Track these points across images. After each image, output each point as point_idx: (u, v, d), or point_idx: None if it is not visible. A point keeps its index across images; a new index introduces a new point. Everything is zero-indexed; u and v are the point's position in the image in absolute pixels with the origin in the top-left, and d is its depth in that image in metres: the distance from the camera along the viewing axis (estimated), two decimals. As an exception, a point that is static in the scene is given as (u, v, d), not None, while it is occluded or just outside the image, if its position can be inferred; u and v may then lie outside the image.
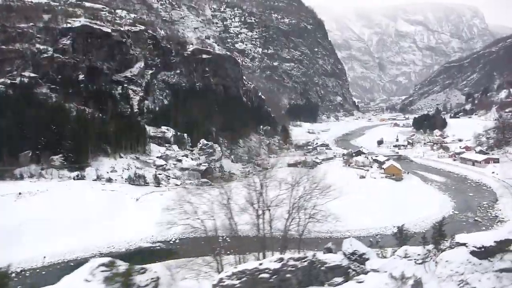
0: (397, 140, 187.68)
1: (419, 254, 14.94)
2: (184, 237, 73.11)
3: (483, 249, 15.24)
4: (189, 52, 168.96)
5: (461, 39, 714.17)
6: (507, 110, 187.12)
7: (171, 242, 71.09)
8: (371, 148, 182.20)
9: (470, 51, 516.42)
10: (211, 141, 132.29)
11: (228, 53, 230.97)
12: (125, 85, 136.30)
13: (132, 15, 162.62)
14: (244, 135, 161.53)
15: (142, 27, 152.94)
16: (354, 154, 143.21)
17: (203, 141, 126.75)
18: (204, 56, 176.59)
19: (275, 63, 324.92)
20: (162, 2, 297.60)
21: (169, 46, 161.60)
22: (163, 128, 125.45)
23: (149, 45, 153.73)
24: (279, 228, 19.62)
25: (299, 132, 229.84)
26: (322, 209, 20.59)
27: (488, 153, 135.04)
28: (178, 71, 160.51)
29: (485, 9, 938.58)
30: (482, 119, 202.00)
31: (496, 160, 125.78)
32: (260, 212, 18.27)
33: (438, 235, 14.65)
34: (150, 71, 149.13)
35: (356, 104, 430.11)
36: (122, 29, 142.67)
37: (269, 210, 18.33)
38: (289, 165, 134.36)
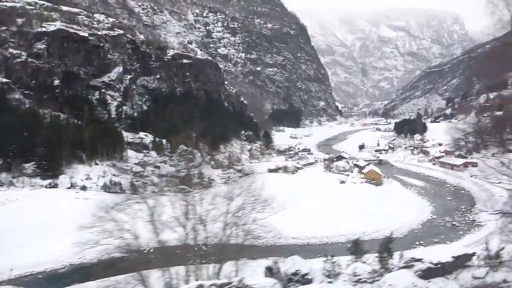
0: (378, 144, 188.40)
1: (369, 273, 13.83)
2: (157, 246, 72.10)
3: (439, 265, 14.32)
4: (169, 57, 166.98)
5: (441, 45, 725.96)
6: (485, 115, 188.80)
7: (145, 251, 69.14)
8: (352, 152, 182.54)
9: (451, 57, 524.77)
10: (191, 147, 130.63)
11: (210, 57, 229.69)
12: (103, 90, 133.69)
13: (111, 19, 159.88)
14: (225, 140, 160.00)
15: (121, 32, 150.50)
16: (335, 159, 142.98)
17: (182, 147, 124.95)
18: (185, 61, 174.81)
19: (258, 68, 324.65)
20: (143, 7, 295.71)
21: (148, 50, 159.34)
22: (141, 134, 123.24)
23: (128, 50, 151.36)
24: (216, 242, 18.18)
25: (282, 137, 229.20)
26: (264, 224, 19.18)
27: (467, 157, 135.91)
28: (158, 76, 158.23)
29: (465, 15, 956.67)
30: (461, 124, 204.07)
31: (475, 164, 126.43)
32: (194, 225, 16.89)
33: (384, 253, 13.52)
34: (129, 76, 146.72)
35: (339, 109, 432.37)
36: (99, 33, 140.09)
37: (204, 224, 16.95)
38: (270, 170, 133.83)
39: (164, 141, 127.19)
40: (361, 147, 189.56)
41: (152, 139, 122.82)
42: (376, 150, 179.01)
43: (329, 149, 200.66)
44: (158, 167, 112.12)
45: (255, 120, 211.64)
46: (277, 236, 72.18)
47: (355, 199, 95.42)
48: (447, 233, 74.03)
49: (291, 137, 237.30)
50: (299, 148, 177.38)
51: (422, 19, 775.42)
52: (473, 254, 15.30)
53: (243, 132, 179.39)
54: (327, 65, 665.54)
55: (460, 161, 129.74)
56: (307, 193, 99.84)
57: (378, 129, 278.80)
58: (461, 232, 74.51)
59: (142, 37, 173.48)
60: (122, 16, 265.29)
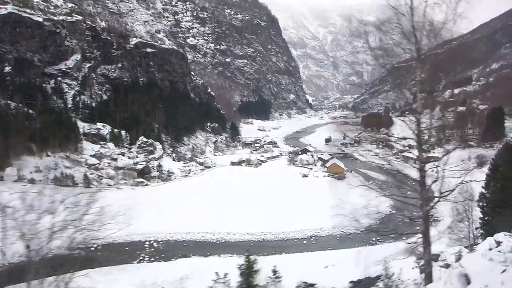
0: (344, 138, 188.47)
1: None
2: (107, 242, 68.76)
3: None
4: (132, 46, 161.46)
5: (410, 40, 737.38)
6: (449, 110, 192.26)
7: (92, 248, 65.79)
8: (319, 146, 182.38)
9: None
10: (153, 139, 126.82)
11: (175, 47, 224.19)
12: (59, 78, 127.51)
13: (69, 5, 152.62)
14: (190, 132, 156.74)
15: (79, 18, 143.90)
16: (300, 152, 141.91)
17: (142, 138, 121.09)
18: (149, 50, 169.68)
19: (228, 60, 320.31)
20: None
21: (110, 38, 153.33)
22: (99, 125, 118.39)
23: (87, 37, 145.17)
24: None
25: (250, 129, 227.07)
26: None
27: (429, 151, 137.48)
28: (119, 65, 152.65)
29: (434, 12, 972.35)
30: (426, 118, 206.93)
31: (436, 159, 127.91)
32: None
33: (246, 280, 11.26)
34: (88, 64, 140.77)
35: (310, 102, 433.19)
36: (56, 18, 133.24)
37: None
38: (233, 163, 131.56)
39: (123, 132, 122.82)
40: (328, 140, 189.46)
41: (110, 130, 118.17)
42: (342, 144, 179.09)
43: (296, 142, 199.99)
44: (115, 159, 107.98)
45: (222, 112, 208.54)
46: (231, 233, 70.40)
47: (316, 193, 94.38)
48: (404, 228, 73.40)
49: (259, 129, 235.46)
50: (265, 141, 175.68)
51: (391, 14, 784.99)
52: (378, 277, 13.32)
53: (208, 124, 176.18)
54: (299, 58, 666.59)
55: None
56: (267, 187, 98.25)
57: (346, 123, 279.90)
58: (418, 228, 74.18)
59: (103, 24, 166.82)
60: (86, 2, 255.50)
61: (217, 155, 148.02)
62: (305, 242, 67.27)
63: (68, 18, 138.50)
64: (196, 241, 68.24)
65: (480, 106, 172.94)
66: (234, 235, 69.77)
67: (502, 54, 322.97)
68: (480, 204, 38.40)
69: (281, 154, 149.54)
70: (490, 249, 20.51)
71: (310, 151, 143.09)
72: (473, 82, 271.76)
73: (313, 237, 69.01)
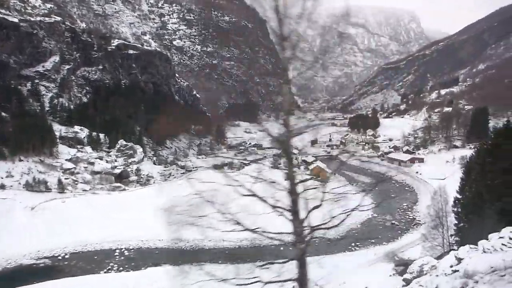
0: (330, 140, 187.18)
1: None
2: (76, 251, 65.99)
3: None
4: (114, 47, 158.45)
5: (399, 42, 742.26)
6: (436, 110, 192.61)
7: (60, 257, 63.11)
8: (305, 147, 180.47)
9: (408, 54, 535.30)
10: (134, 142, 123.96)
11: (159, 49, 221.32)
12: (36, 80, 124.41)
13: (48, 5, 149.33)
14: (173, 135, 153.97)
15: (58, 18, 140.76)
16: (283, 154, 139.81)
17: (121, 141, 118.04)
18: (131, 51, 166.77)
19: (215, 62, 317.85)
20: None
21: (90, 40, 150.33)
22: (76, 128, 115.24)
23: (66, 38, 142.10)
24: None
25: (236, 131, 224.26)
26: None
27: (414, 152, 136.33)
28: (100, 67, 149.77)
29: (422, 14, 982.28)
30: (412, 119, 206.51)
31: (421, 160, 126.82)
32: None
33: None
34: (67, 66, 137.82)
35: (299, 104, 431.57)
36: (33, 19, 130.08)
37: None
38: (215, 166, 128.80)
39: (102, 135, 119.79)
40: (314, 142, 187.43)
41: (88, 134, 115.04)
42: (328, 145, 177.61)
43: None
44: (92, 164, 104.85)
45: (208, 114, 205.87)
46: (206, 239, 67.83)
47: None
48: (385, 233, 71.92)
49: (245, 131, 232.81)
50: (250, 144, 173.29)
51: (380, 16, 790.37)
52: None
53: (193, 126, 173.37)
54: (288, 59, 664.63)
55: (407, 157, 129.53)
56: (245, 192, 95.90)
57: (334, 124, 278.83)
58: (399, 232, 72.66)
59: (83, 25, 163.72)
60: (71, 4, 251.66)
61: (200, 158, 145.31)
62: (282, 248, 64.95)
63: (46, 19, 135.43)
64: (169, 248, 65.63)
65: (466, 107, 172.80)
66: (209, 241, 67.26)
67: (488, 55, 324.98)
68: (455, 210, 36.42)
69: (265, 156, 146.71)
70: (451, 266, 18.21)
71: (294, 153, 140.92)
72: (460, 83, 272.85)
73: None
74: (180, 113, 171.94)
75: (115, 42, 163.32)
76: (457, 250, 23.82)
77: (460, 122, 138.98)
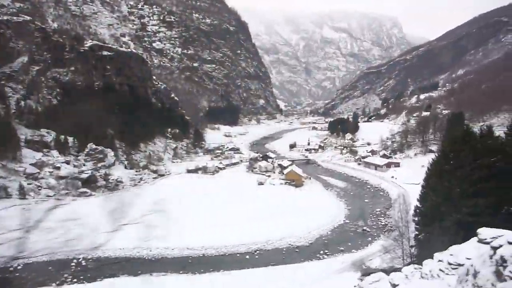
0: (308, 143, 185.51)
1: None
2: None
3: None
4: (87, 48, 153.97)
5: (381, 47, 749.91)
6: (414, 115, 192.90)
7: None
8: (283, 152, 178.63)
9: (389, 59, 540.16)
10: (105, 145, 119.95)
11: (134, 51, 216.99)
12: (2, 82, 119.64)
13: (18, 4, 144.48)
14: (148, 138, 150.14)
15: (27, 18, 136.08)
16: (260, 159, 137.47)
17: (91, 145, 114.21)
18: (105, 53, 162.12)
19: (195, 64, 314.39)
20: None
21: (61, 40, 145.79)
22: (43, 131, 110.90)
23: (36, 38, 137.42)
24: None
25: (216, 135, 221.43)
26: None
27: (391, 157, 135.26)
28: (72, 68, 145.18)
29: (404, 20, 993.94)
30: (392, 123, 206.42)
31: (397, 164, 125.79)
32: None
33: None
34: (37, 67, 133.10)
35: (280, 107, 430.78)
36: (0, 18, 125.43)
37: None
38: (189, 171, 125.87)
39: (71, 139, 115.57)
40: (292, 146, 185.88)
41: (54, 137, 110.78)
42: (306, 149, 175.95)
43: (261, 148, 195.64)
44: (58, 168, 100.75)
45: (187, 118, 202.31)
46: (170, 248, 64.84)
47: (268, 203, 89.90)
48: (355, 240, 69.84)
49: (225, 135, 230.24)
50: (227, 147, 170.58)
51: (363, 22, 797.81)
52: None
53: (169, 130, 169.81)
54: (271, 63, 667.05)
55: (383, 161, 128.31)
56: (218, 197, 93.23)
57: (314, 128, 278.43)
58: (370, 239, 70.63)
59: (55, 25, 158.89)
60: (47, 4, 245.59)
61: (175, 162, 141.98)
62: (248, 257, 62.29)
63: (14, 18, 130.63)
64: (129, 257, 62.39)
65: (443, 111, 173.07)
66: (173, 250, 64.30)
67: (467, 60, 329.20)
68: (415, 219, 34.26)
69: (241, 160, 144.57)
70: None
71: (271, 158, 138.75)
72: (439, 88, 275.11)
73: (258, 251, 64.07)
74: (156, 116, 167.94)
75: (88, 43, 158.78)
76: (408, 266, 21.64)
77: (437, 127, 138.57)
